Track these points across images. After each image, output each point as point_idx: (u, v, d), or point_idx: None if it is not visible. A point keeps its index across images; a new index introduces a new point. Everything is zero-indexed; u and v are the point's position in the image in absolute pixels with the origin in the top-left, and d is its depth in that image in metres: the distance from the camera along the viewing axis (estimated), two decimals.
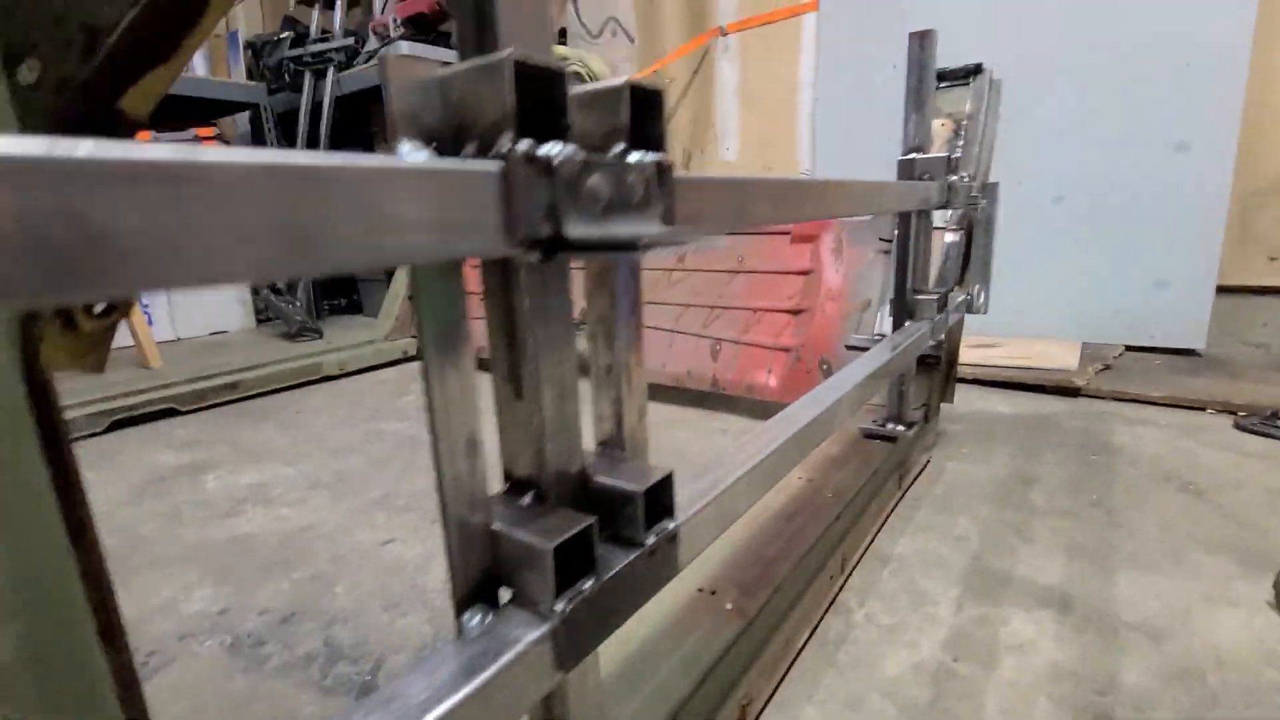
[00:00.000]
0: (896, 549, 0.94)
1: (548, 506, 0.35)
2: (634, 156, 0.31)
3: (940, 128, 1.21)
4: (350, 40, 3.18)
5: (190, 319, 3.31)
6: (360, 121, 3.58)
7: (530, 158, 0.26)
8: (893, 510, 1.04)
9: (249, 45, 3.50)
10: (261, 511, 1.14)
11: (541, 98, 0.27)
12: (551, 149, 0.27)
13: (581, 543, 0.32)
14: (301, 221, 0.19)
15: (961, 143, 1.17)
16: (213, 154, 0.17)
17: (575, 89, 0.31)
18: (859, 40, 2.18)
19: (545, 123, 0.28)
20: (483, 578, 0.32)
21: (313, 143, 3.25)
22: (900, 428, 1.08)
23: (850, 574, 0.87)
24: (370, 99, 3.20)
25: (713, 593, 0.69)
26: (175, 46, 0.30)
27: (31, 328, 0.23)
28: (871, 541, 0.95)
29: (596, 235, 0.28)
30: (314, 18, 3.35)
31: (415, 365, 2.38)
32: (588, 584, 0.32)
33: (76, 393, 1.74)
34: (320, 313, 3.74)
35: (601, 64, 2.77)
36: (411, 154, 0.26)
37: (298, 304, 3.14)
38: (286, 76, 3.29)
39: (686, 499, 0.42)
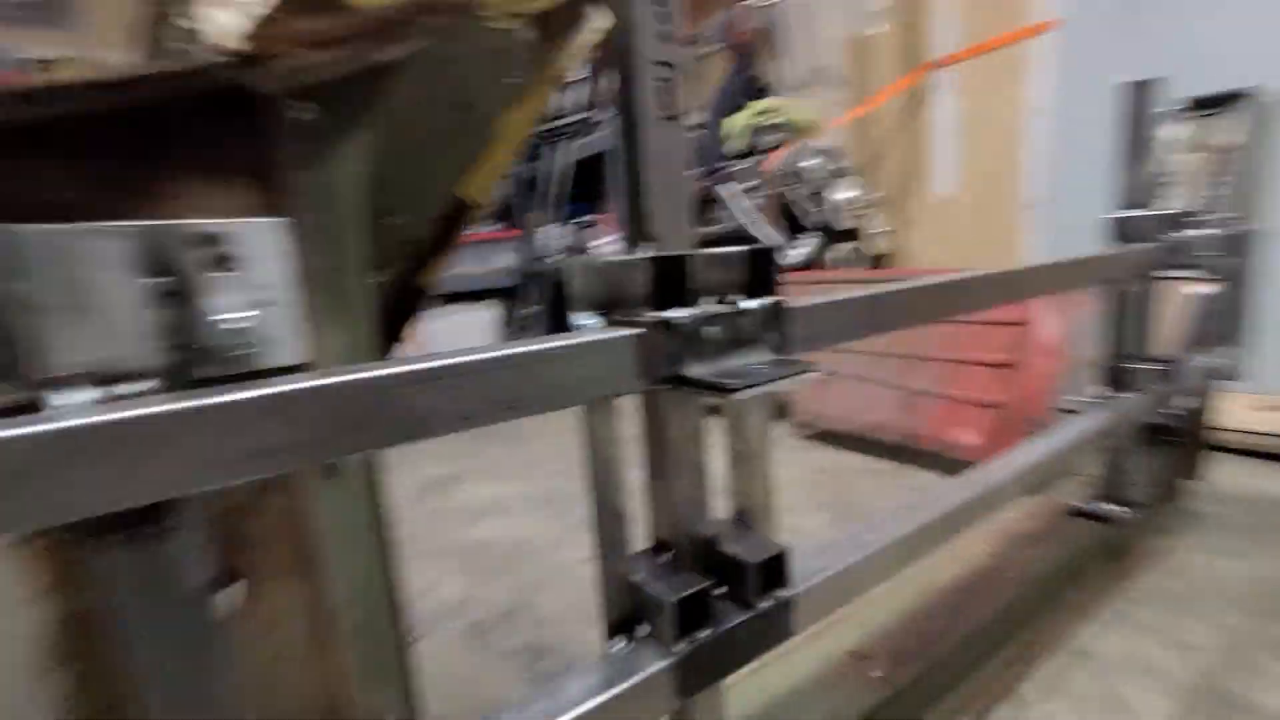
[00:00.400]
0: (1101, 647, 0.85)
1: (679, 566, 0.45)
2: (748, 304, 0.41)
3: (1195, 162, 1.07)
4: (584, 114, 3.65)
5: (459, 341, 4.04)
6: (593, 180, 4.08)
7: (658, 323, 0.37)
8: (1103, 603, 0.93)
9: None
10: (497, 521, 1.41)
11: (673, 277, 0.38)
12: (676, 314, 0.37)
13: (700, 599, 0.42)
14: (515, 388, 0.32)
15: (1221, 180, 1.02)
16: (458, 355, 0.31)
17: (702, 252, 0.41)
18: (1106, 59, 1.94)
19: (675, 293, 0.38)
20: (625, 615, 0.43)
21: (559, 201, 3.80)
22: (1116, 508, 0.97)
23: (1034, 665, 0.82)
24: (598, 161, 3.64)
25: (864, 658, 0.72)
26: (450, 239, 0.47)
27: None
28: (1068, 633, 0.87)
29: (711, 373, 0.37)
30: (564, 96, 3.92)
31: None
32: (704, 633, 0.42)
33: None
34: None
35: (807, 111, 2.83)
36: (584, 319, 0.38)
37: (529, 334, 3.64)
38: (538, 150, 3.91)
39: (809, 569, 0.49)
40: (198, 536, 0.28)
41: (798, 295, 0.45)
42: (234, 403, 0.26)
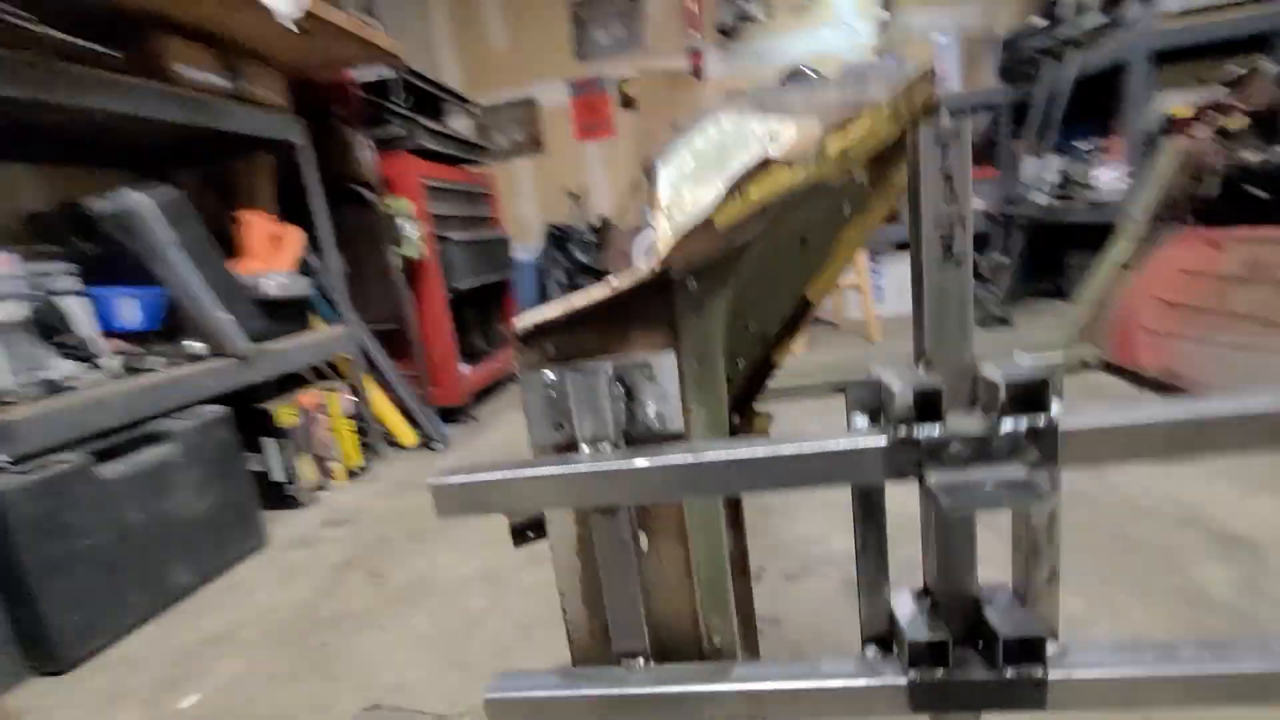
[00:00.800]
0: None
1: (937, 615, 0.56)
2: (1006, 425, 0.48)
3: None
4: (1102, 19, 2.95)
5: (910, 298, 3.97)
6: (1099, 99, 3.30)
7: (903, 440, 0.49)
8: None
9: (1005, 42, 3.70)
10: None
11: (930, 401, 0.49)
12: (923, 430, 0.48)
13: (938, 646, 0.53)
14: (791, 472, 0.51)
15: None
16: (771, 449, 0.51)
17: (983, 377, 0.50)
18: None
19: (930, 411, 0.49)
20: (882, 633, 0.57)
21: (1045, 129, 3.25)
22: None
23: None
24: (1110, 76, 2.92)
25: None
26: (796, 329, 0.65)
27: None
28: None
29: (944, 484, 0.47)
30: None
31: (1091, 376, 2.24)
32: (938, 671, 0.53)
33: (809, 364, 2.58)
34: (1022, 296, 3.78)
35: None
36: (857, 419, 0.53)
37: (995, 295, 3.32)
38: (1029, 70, 3.36)
39: (1083, 660, 0.52)
40: (632, 516, 0.57)
41: None
42: (658, 463, 0.53)
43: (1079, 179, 3.24)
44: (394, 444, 2.65)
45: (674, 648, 0.65)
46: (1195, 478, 1.47)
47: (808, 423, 2.21)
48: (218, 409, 1.75)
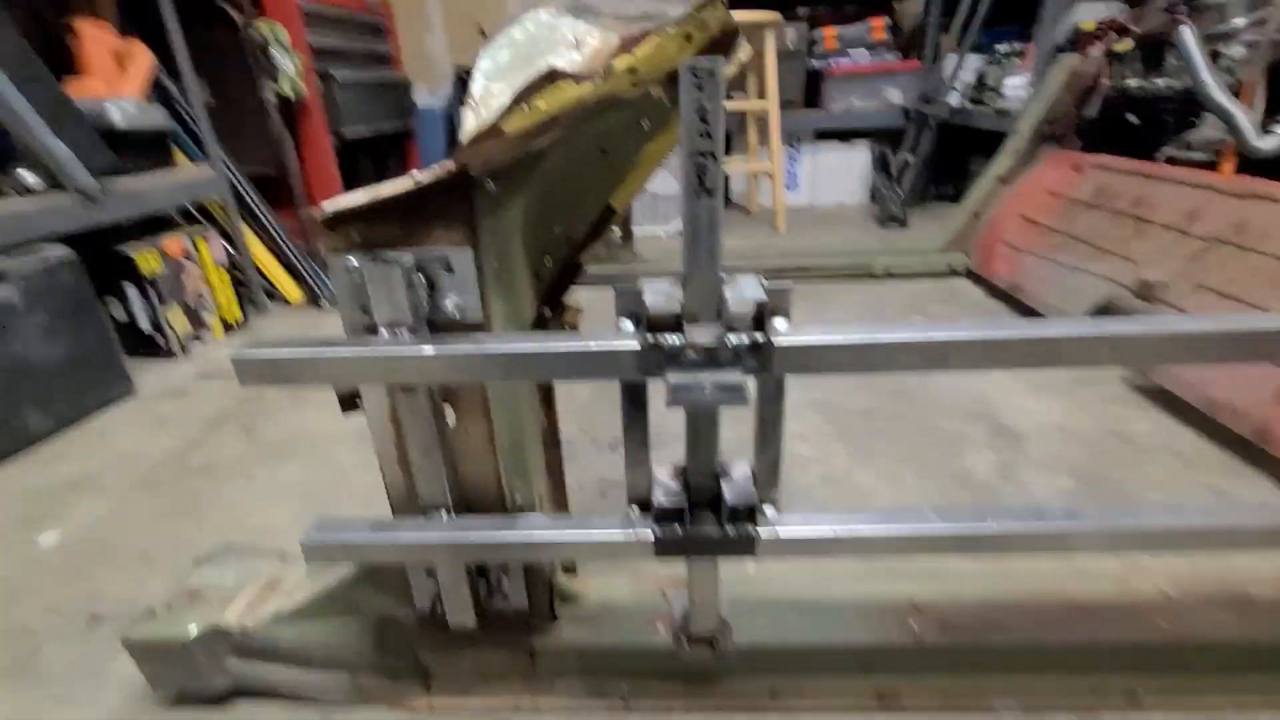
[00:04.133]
0: None
1: (684, 486, 0.68)
2: (731, 339, 0.56)
3: None
4: None
5: (824, 188, 4.04)
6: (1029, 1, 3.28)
7: (652, 346, 0.57)
8: None
9: None
10: None
11: (675, 314, 0.56)
12: (666, 338, 0.56)
13: (678, 510, 0.65)
14: (561, 366, 0.59)
15: None
16: (529, 344, 0.58)
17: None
18: None
19: (675, 323, 0.57)
20: (643, 497, 0.69)
21: (970, 23, 3.22)
22: None
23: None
24: None
25: (917, 609, 0.84)
26: (601, 233, 0.70)
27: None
28: None
29: (678, 383, 0.56)
30: None
31: (954, 282, 2.45)
32: (677, 527, 0.66)
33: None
34: (926, 198, 3.94)
35: None
36: (623, 323, 0.60)
37: (897, 194, 3.44)
38: None
39: (785, 522, 0.66)
40: (436, 393, 0.64)
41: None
42: (442, 352, 0.59)
43: (992, 83, 3.28)
44: (278, 298, 2.57)
45: (479, 505, 0.76)
46: (998, 380, 1.71)
47: None
48: (62, 250, 1.63)
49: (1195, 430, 1.39)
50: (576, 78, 0.55)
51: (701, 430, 0.64)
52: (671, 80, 0.62)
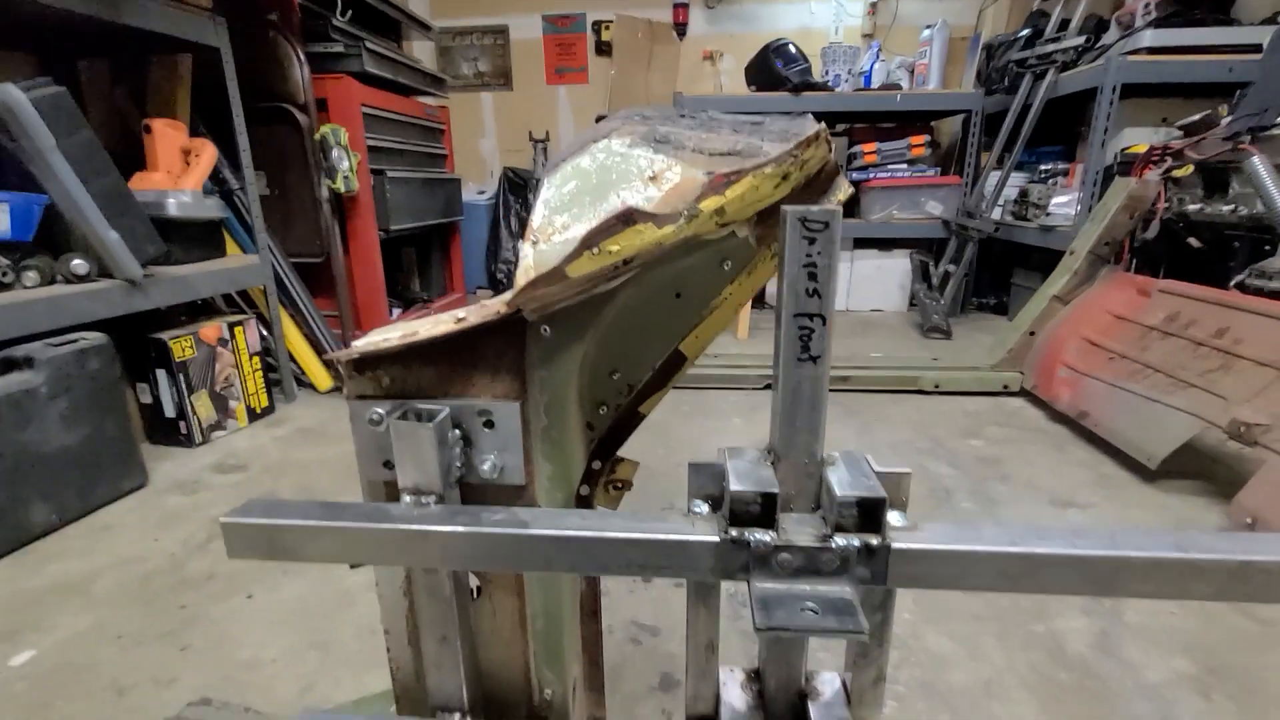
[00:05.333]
0: None
1: (762, 703, 0.54)
2: (839, 540, 0.45)
3: None
4: (1082, 39, 2.92)
5: (861, 294, 3.99)
6: (1070, 121, 3.32)
7: (734, 541, 0.45)
8: None
9: (986, 47, 3.64)
10: None
11: (767, 505, 0.45)
12: (754, 535, 0.45)
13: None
14: (620, 556, 0.47)
15: None
16: (585, 530, 0.47)
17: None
18: None
19: (766, 516, 0.45)
20: (707, 713, 0.55)
21: (1012, 143, 3.25)
22: None
23: None
24: (1085, 99, 2.92)
25: None
26: (667, 382, 0.60)
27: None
28: None
29: (766, 596, 0.44)
30: (1056, 11, 3.20)
31: (1010, 401, 2.31)
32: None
33: (745, 355, 2.58)
34: (966, 307, 3.86)
35: None
36: (696, 506, 0.49)
37: (941, 303, 3.37)
38: (1006, 80, 3.33)
39: None
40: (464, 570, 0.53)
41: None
42: (476, 532, 0.48)
43: (1036, 200, 3.26)
44: (307, 385, 2.53)
45: (501, 700, 0.62)
46: (1085, 519, 1.53)
47: (729, 422, 2.20)
48: (96, 336, 1.61)
49: None
50: (657, 219, 0.47)
51: (787, 640, 0.51)
52: (760, 219, 0.54)
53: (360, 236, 2.62)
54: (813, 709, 0.53)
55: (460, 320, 0.52)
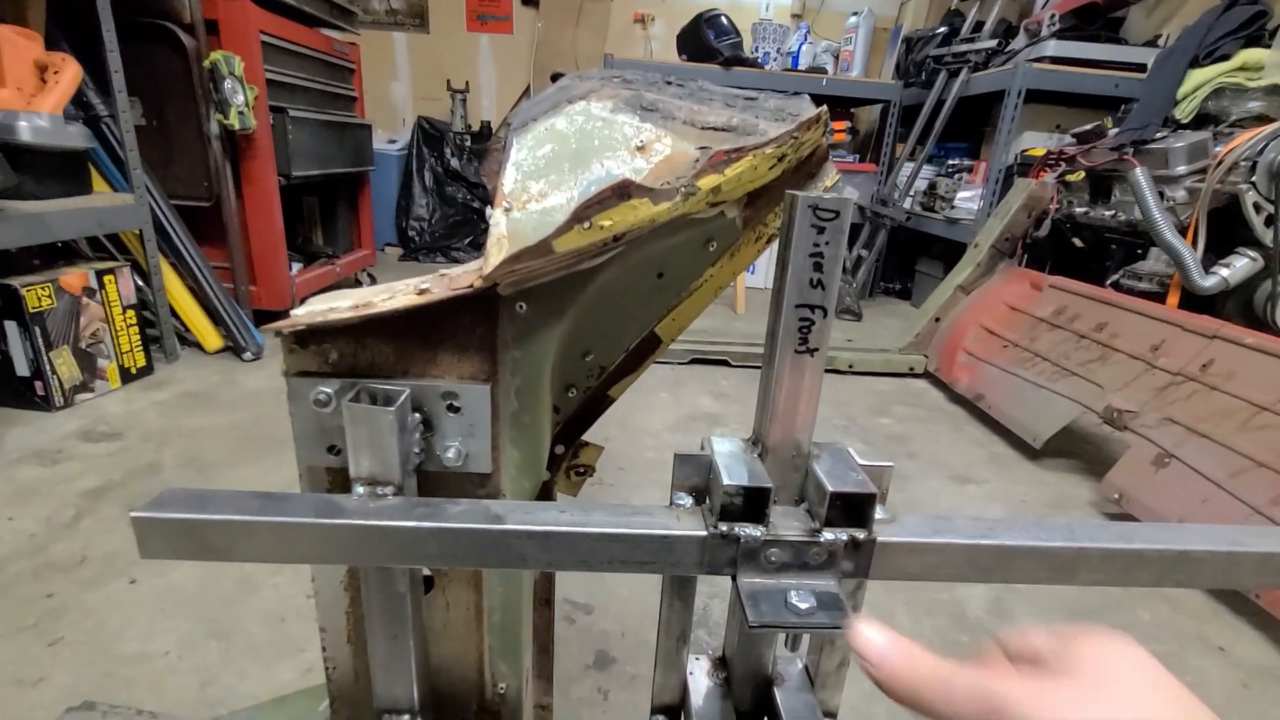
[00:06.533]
0: None
1: (728, 692, 0.54)
2: (827, 535, 0.44)
3: None
4: (994, 42, 3.09)
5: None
6: (977, 120, 3.52)
7: (723, 535, 0.44)
8: None
9: (906, 40, 3.78)
10: None
11: (757, 500, 0.44)
12: (744, 530, 0.44)
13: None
14: (597, 550, 0.44)
15: None
16: (562, 525, 0.44)
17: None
18: None
19: (755, 511, 0.44)
20: (672, 704, 0.54)
21: (925, 136, 3.41)
22: None
23: None
24: (993, 100, 3.11)
25: None
26: (640, 365, 0.57)
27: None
28: None
29: (753, 590, 0.43)
30: (971, 13, 3.36)
31: (915, 383, 2.46)
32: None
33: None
34: (874, 291, 4.06)
35: None
36: (680, 498, 0.47)
37: (853, 287, 3.52)
38: (924, 75, 3.47)
39: None
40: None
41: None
42: (442, 528, 0.44)
43: (943, 193, 3.46)
44: (193, 344, 2.28)
45: (451, 698, 0.59)
46: (972, 493, 1.66)
47: (657, 396, 2.21)
48: None
49: None
50: (654, 195, 0.44)
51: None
52: (749, 200, 0.52)
53: (257, 181, 2.36)
54: (778, 694, 0.53)
55: (424, 291, 0.47)
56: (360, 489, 0.46)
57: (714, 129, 0.50)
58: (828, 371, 2.49)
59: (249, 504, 0.43)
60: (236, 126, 2.15)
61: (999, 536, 0.46)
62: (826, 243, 0.41)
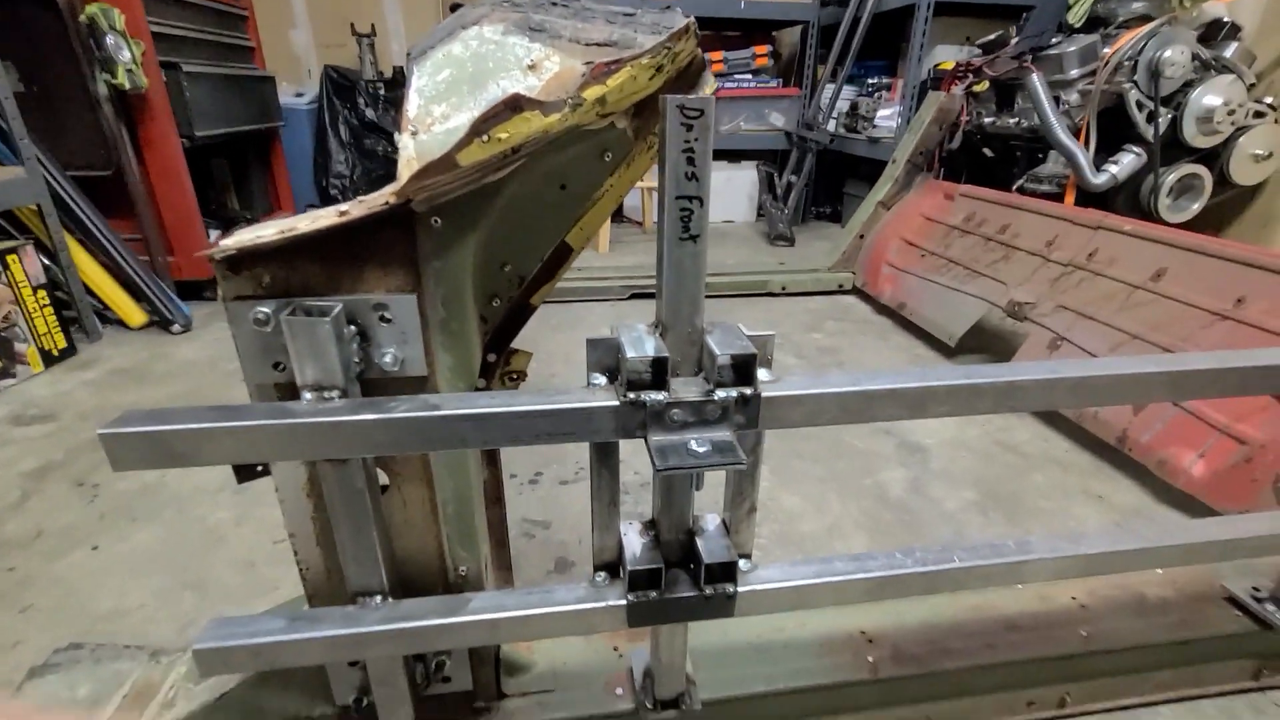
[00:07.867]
0: None
1: (657, 545, 0.62)
2: (720, 394, 0.52)
3: None
4: None
5: (713, 206, 4.14)
6: (894, 37, 3.57)
7: (632, 403, 0.51)
8: (1217, 696, 0.87)
9: None
10: None
11: (658, 369, 0.51)
12: (649, 396, 0.51)
13: (653, 573, 0.60)
14: (527, 427, 0.51)
15: None
16: (495, 406, 0.50)
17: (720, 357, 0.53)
18: None
19: (658, 379, 0.52)
20: (611, 561, 0.63)
21: (844, 57, 3.45)
22: None
23: None
24: (905, 15, 3.16)
25: (870, 640, 0.84)
26: (556, 273, 0.63)
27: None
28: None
29: (663, 444, 0.51)
30: None
31: (844, 299, 2.60)
32: (652, 593, 0.60)
33: (609, 267, 2.65)
34: (807, 216, 4.17)
35: None
36: (596, 378, 0.54)
37: (785, 213, 3.60)
38: None
39: (764, 577, 0.63)
40: (370, 460, 0.54)
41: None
42: (385, 419, 0.50)
43: (864, 113, 3.54)
44: (114, 321, 2.20)
45: (418, 582, 0.66)
46: None
47: (600, 333, 2.26)
48: None
49: (1066, 438, 1.55)
50: (543, 107, 0.49)
51: (677, 483, 0.59)
52: (637, 111, 0.57)
53: (158, 145, 2.24)
54: (699, 541, 0.62)
55: (344, 214, 0.51)
56: (308, 395, 0.51)
57: (597, 44, 0.54)
58: (762, 295, 2.61)
59: (207, 415, 0.48)
60: (127, 86, 2.02)
61: (864, 384, 0.55)
62: (696, 139, 0.47)
